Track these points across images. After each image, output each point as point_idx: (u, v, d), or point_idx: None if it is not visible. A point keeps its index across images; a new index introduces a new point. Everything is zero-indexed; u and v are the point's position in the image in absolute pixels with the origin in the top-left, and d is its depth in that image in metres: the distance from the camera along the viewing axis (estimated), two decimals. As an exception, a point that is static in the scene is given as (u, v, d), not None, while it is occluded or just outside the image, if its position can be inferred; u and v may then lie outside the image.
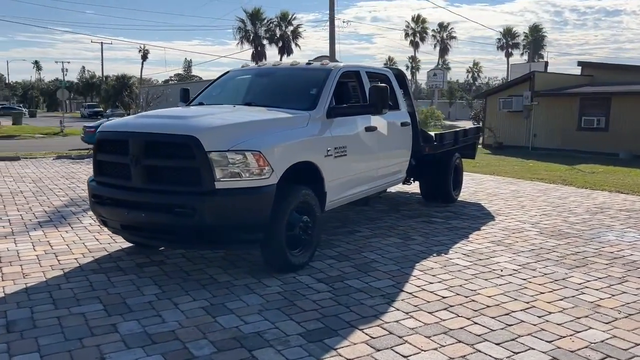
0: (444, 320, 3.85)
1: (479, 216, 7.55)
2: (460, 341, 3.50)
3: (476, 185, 10.69)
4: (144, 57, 60.23)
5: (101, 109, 64.06)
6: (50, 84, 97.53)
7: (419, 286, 4.56)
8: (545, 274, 4.94)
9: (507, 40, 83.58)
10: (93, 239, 5.94)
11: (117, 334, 3.54)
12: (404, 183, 8.60)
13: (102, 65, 63.39)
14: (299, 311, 3.97)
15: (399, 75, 7.42)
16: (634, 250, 5.84)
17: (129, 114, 52.30)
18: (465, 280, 4.73)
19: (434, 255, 5.51)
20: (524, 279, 4.79)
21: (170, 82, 74.70)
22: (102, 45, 67.20)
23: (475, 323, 3.80)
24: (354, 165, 5.79)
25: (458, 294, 4.37)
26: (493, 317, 3.91)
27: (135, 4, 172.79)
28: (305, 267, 4.97)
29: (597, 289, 4.56)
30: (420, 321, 3.82)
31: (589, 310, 4.09)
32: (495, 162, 15.80)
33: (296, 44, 54.51)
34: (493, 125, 21.99)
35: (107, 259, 5.22)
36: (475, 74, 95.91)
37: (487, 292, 4.43)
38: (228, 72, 6.76)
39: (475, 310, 4.03)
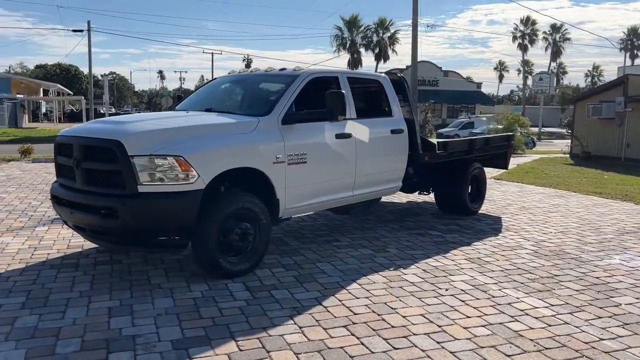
0: (331, 338, 3.64)
1: (484, 231, 7.02)
2: (323, 361, 3.31)
3: (517, 197, 9.95)
4: (247, 66, 62.90)
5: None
6: (173, 92, 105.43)
7: (340, 300, 4.35)
8: (492, 297, 4.49)
9: (632, 40, 76.87)
10: (80, 237, 6.33)
11: (10, 326, 3.76)
12: (420, 193, 8.29)
13: (212, 73, 67.35)
14: (195, 318, 3.96)
15: (397, 82, 7.13)
16: (628, 277, 5.12)
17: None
18: (397, 297, 4.44)
19: (391, 269, 5.23)
20: (463, 301, 4.39)
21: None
22: (212, 55, 71.38)
23: (361, 344, 3.56)
24: (319, 172, 5.65)
25: (373, 312, 4.12)
26: (385, 339, 3.63)
27: (250, 16, 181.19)
28: (246, 274, 4.93)
29: (537, 317, 4.07)
30: (306, 337, 3.65)
31: (502, 339, 3.66)
32: (567, 173, 14.57)
33: (393, 50, 54.09)
34: (581, 133, 20.30)
35: (75, 256, 5.54)
36: (596, 78, 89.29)
37: (406, 312, 4.12)
38: (215, 79, 6.91)
39: (374, 330, 3.77)
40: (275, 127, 5.22)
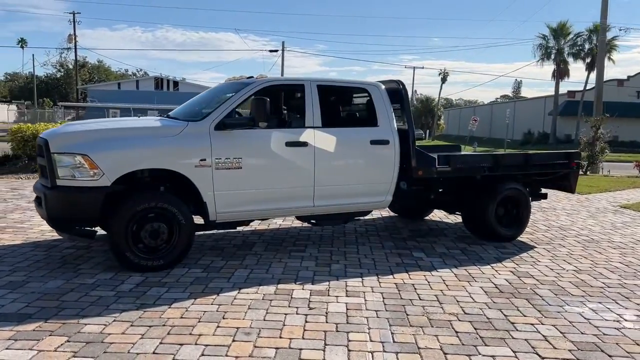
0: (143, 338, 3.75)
1: (482, 258, 6.11)
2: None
3: (587, 221, 8.26)
4: (443, 80, 61.88)
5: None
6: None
7: (201, 306, 4.37)
8: (332, 321, 4.03)
9: None
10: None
11: None
12: (450, 213, 7.58)
13: (412, 87, 68.12)
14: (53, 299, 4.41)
15: (394, 90, 6.63)
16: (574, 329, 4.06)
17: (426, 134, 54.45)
18: (248, 308, 4.28)
19: (298, 282, 4.99)
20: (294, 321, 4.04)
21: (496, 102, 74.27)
22: (413, 70, 72.28)
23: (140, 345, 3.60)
24: (260, 179, 5.65)
25: (201, 321, 4.06)
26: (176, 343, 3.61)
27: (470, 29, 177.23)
28: (159, 270, 5.21)
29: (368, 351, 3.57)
30: (112, 333, 3.80)
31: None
32: None
33: (609, 58, 47.82)
34: None
35: (52, 243, 6.36)
36: None
37: (229, 322, 3.98)
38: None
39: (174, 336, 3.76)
40: (204, 132, 5.40)
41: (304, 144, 5.82)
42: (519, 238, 7.19)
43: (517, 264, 5.93)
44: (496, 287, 5.05)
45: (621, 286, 5.22)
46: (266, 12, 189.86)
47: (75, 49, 54.60)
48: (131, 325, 3.90)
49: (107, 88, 60.76)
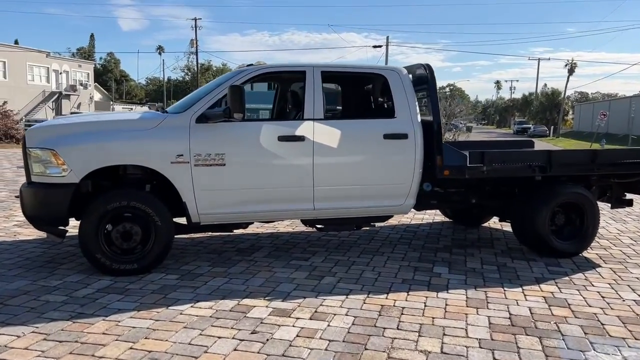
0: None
1: (518, 277, 4.97)
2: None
3: None
4: (571, 71, 56.24)
5: (529, 125, 64.06)
6: (503, 103, 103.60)
7: (135, 321, 3.89)
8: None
9: None
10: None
11: None
12: (501, 221, 6.47)
13: (537, 81, 62.55)
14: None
15: (418, 76, 5.66)
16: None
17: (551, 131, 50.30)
18: (182, 327, 3.70)
19: (267, 298, 4.32)
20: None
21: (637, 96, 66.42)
22: (538, 62, 66.74)
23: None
24: (246, 177, 5.04)
25: (119, 339, 3.57)
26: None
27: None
28: (133, 274, 4.84)
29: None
30: (14, 347, 3.47)
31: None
32: None
33: None
34: None
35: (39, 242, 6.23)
36: None
37: (146, 344, 3.43)
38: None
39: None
40: (183, 126, 4.92)
41: (301, 139, 5.11)
42: (583, 254, 5.85)
43: (558, 288, 4.73)
44: (509, 319, 3.98)
45: (691, 328, 3.88)
46: (380, 5, 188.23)
47: (197, 52, 57.89)
48: (43, 339, 3.49)
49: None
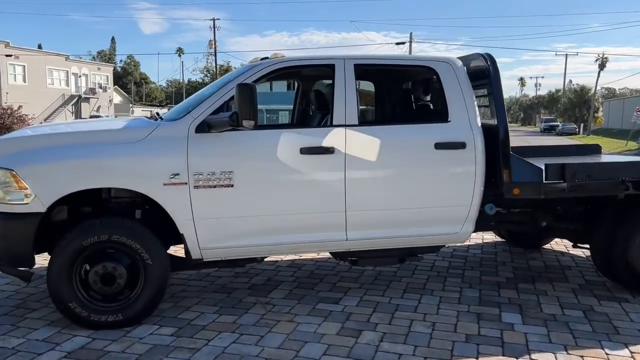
0: None
1: (617, 330, 3.78)
2: None
3: None
4: (602, 66, 53.87)
5: (557, 123, 61.99)
6: (527, 100, 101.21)
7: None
8: None
9: None
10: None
11: None
12: (574, 246, 5.27)
13: (565, 77, 59.46)
14: None
15: (474, 69, 4.50)
16: None
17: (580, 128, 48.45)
18: None
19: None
20: None
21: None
22: (565, 57, 64.28)
23: None
24: (261, 201, 3.94)
25: None
26: None
27: None
28: (117, 328, 3.77)
29: None
30: None
31: None
32: None
33: None
34: None
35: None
36: None
37: None
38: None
39: None
40: (180, 137, 3.84)
41: (329, 151, 3.99)
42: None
43: (679, 350, 3.52)
44: (632, 409, 2.79)
45: None
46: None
47: (215, 53, 57.19)
48: None
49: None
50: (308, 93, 5.10)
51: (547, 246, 6.33)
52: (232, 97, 3.79)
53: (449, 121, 4.25)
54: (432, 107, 4.71)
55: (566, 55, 63.97)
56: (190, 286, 4.77)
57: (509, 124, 4.41)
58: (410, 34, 35.11)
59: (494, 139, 4.27)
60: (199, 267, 4.26)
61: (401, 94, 5.09)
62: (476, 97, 4.45)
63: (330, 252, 4.47)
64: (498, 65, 4.40)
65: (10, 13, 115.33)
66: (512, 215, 4.86)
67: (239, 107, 3.61)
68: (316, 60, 4.38)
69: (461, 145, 4.19)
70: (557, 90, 72.47)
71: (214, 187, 3.83)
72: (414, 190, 4.19)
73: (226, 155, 3.87)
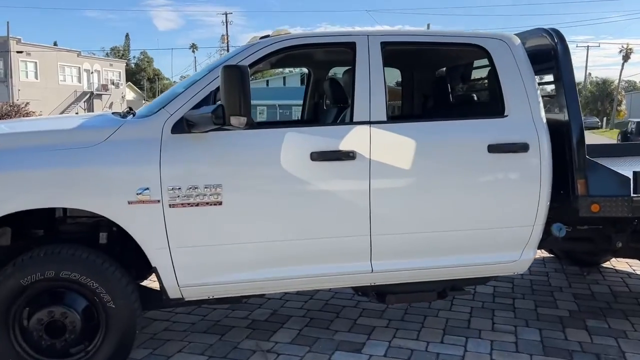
0: None
1: None
2: None
3: None
4: (626, 58, 51.96)
5: (578, 117, 60.15)
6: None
7: None
8: None
9: None
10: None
11: None
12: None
13: (586, 70, 57.72)
14: None
15: (535, 50, 3.49)
16: None
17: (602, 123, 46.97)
18: None
19: None
20: None
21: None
22: (587, 49, 62.24)
23: None
24: (259, 225, 2.99)
25: None
26: None
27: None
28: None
29: None
30: None
31: None
32: None
33: None
34: None
35: None
36: None
37: None
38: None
39: None
40: (152, 138, 2.90)
41: (350, 156, 3.01)
42: None
43: None
44: None
45: None
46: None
47: (228, 48, 56.40)
48: None
49: (255, 85, 62.28)
50: (321, 82, 4.13)
51: (606, 264, 5.31)
52: (210, 86, 2.84)
53: (506, 116, 3.26)
54: (482, 97, 3.71)
55: (587, 47, 61.98)
56: (174, 322, 3.84)
57: None
58: (428, 25, 33.86)
59: (563, 140, 3.27)
60: (181, 305, 3.32)
61: (441, 81, 4.07)
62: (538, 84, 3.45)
63: (353, 287, 3.49)
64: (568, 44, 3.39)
65: (24, 7, 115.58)
66: (579, 234, 3.85)
67: (225, 99, 2.64)
68: (331, 38, 3.38)
69: (522, 148, 3.19)
70: (578, 84, 70.38)
71: (196, 205, 2.89)
72: (459, 206, 3.20)
73: (212, 163, 2.93)
